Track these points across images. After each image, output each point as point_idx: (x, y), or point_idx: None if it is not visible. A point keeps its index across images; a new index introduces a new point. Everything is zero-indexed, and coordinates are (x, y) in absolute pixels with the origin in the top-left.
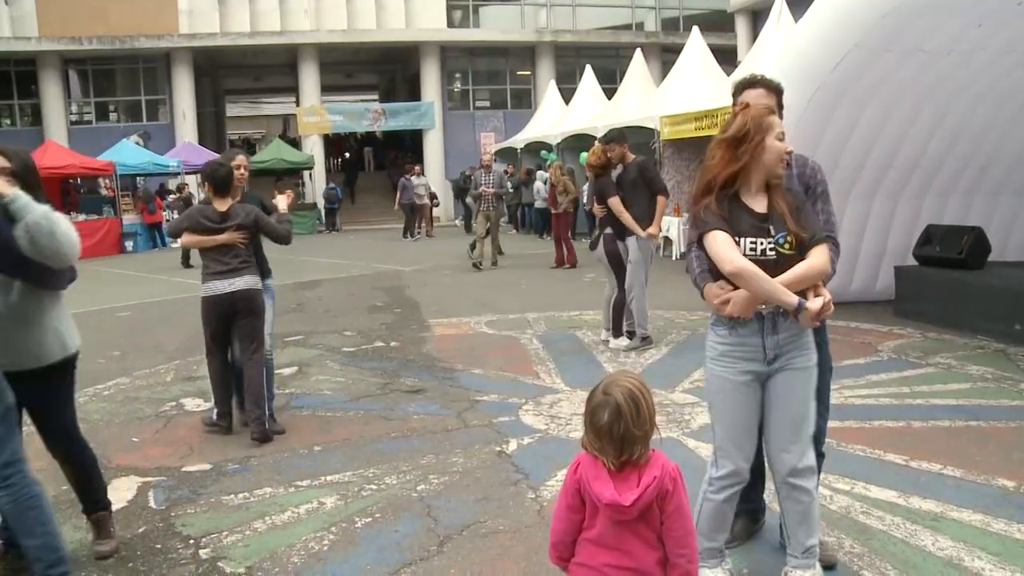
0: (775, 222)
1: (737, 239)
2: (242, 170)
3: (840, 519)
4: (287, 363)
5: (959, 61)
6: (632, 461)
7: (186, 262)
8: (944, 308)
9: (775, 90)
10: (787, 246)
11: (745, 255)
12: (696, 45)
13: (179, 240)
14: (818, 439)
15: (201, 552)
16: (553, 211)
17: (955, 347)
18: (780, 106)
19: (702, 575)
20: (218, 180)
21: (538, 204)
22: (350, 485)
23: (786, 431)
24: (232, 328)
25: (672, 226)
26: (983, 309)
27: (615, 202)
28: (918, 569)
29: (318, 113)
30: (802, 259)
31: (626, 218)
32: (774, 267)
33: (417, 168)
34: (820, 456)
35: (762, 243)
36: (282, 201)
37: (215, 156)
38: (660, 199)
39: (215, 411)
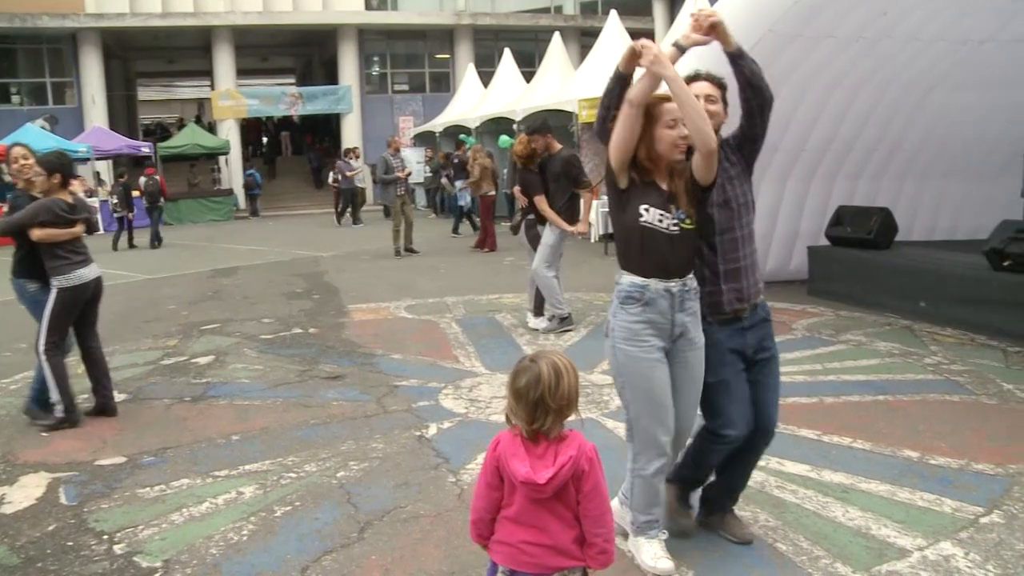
0: (675, 200)
1: (647, 207)
2: (20, 163)
3: (756, 494)
4: (203, 352)
5: (867, 48)
6: (543, 432)
7: None
8: (854, 287)
9: (718, 84)
10: (688, 221)
11: (652, 222)
12: (614, 29)
13: (33, 235)
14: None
15: (115, 548)
16: (468, 193)
17: (865, 324)
18: (724, 100)
19: (638, 544)
20: (70, 172)
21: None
22: (269, 474)
23: (694, 405)
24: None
25: (592, 209)
26: (891, 287)
27: (540, 201)
28: (829, 539)
29: (233, 97)
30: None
31: (551, 216)
32: (676, 241)
33: (356, 151)
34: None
35: (667, 217)
36: (79, 187)
37: (130, 141)
38: (585, 195)
39: (60, 406)
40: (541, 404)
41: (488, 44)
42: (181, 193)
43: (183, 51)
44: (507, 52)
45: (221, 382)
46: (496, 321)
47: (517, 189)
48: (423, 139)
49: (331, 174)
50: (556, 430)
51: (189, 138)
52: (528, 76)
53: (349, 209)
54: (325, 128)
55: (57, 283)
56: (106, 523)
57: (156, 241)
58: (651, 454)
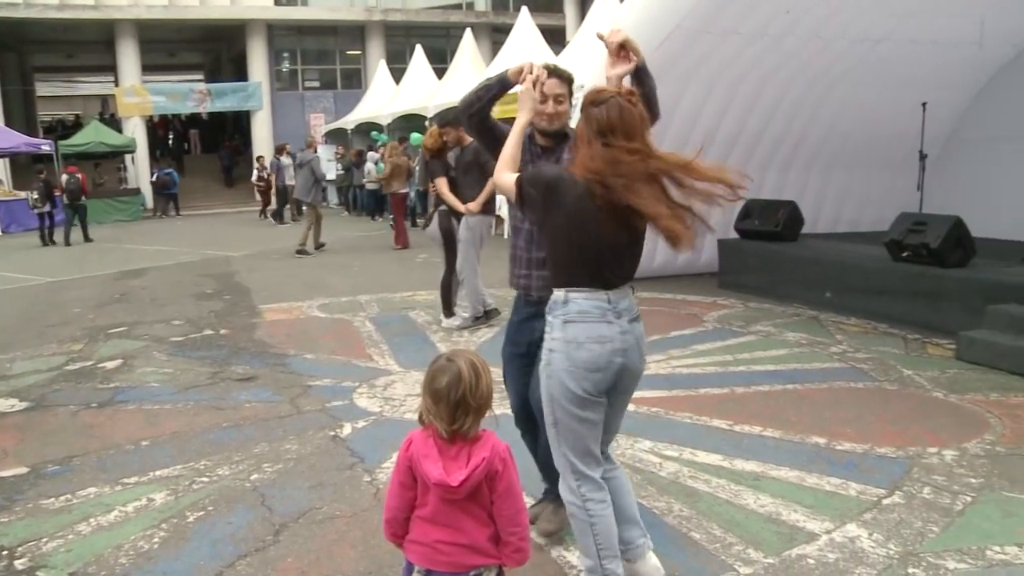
0: None
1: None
2: None
3: (669, 484)
4: (110, 356)
5: (771, 44)
6: (463, 432)
7: None
8: (763, 279)
9: (568, 80)
10: None
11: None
12: (525, 25)
13: None
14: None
15: (16, 563)
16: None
17: (774, 315)
18: (571, 93)
19: None
20: None
21: (370, 186)
22: (180, 479)
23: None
24: None
25: (503, 204)
26: (798, 279)
27: (440, 183)
28: (741, 526)
29: (139, 94)
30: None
31: (449, 198)
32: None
33: (288, 148)
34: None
35: None
36: None
37: (29, 139)
38: (490, 181)
39: None
40: (463, 404)
41: (399, 40)
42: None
43: (84, 45)
44: (419, 48)
45: (130, 386)
46: (410, 319)
47: (431, 187)
48: (335, 136)
49: (255, 172)
50: (475, 430)
51: (93, 136)
52: (440, 72)
53: (278, 207)
54: (236, 125)
55: None
56: (6, 537)
57: (86, 238)
58: None
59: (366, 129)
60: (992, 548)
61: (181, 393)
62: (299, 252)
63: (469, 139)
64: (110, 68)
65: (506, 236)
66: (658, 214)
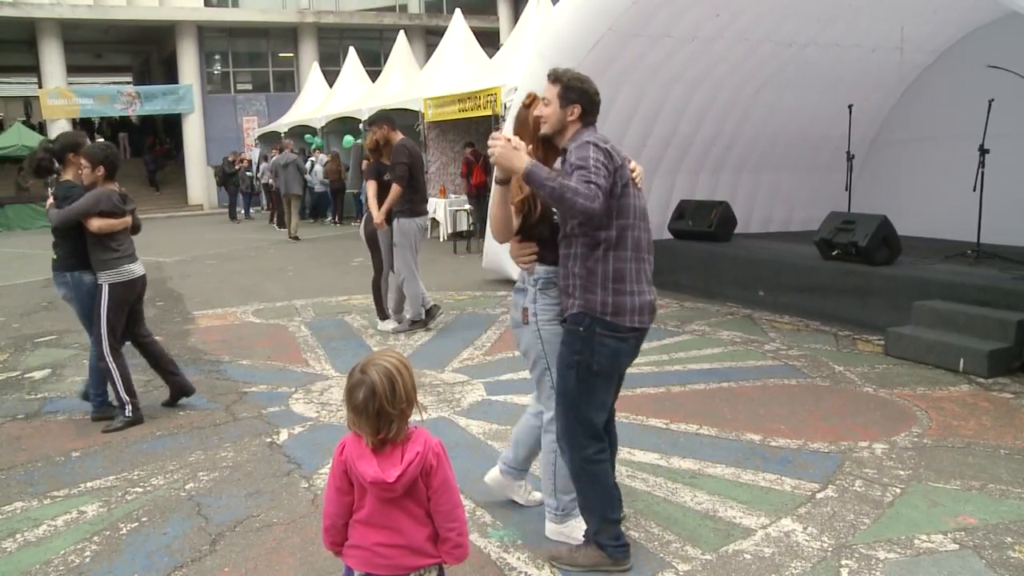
0: None
1: None
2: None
3: None
4: (38, 365)
5: (702, 47)
6: (390, 439)
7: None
8: (698, 279)
9: (551, 80)
10: None
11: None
12: (459, 27)
13: (92, 226)
14: None
15: None
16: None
17: (708, 315)
18: (563, 96)
19: (575, 526)
20: (117, 165)
21: (317, 188)
22: (113, 490)
23: None
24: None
25: (439, 208)
26: (732, 278)
27: (368, 186)
28: (679, 524)
29: (64, 96)
30: None
31: (370, 203)
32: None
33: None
34: None
35: None
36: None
37: None
38: (394, 187)
39: (130, 406)
40: (383, 414)
41: (333, 43)
42: (9, 198)
43: (4, 44)
44: (352, 51)
45: (59, 396)
46: (345, 323)
47: None
48: (268, 139)
49: (268, 175)
50: (403, 433)
51: (15, 139)
52: (373, 75)
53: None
54: (168, 129)
55: (108, 278)
56: None
57: None
58: None
59: (300, 132)
60: (919, 537)
61: None
62: (293, 238)
63: (399, 137)
64: (33, 69)
65: (442, 240)
66: None
